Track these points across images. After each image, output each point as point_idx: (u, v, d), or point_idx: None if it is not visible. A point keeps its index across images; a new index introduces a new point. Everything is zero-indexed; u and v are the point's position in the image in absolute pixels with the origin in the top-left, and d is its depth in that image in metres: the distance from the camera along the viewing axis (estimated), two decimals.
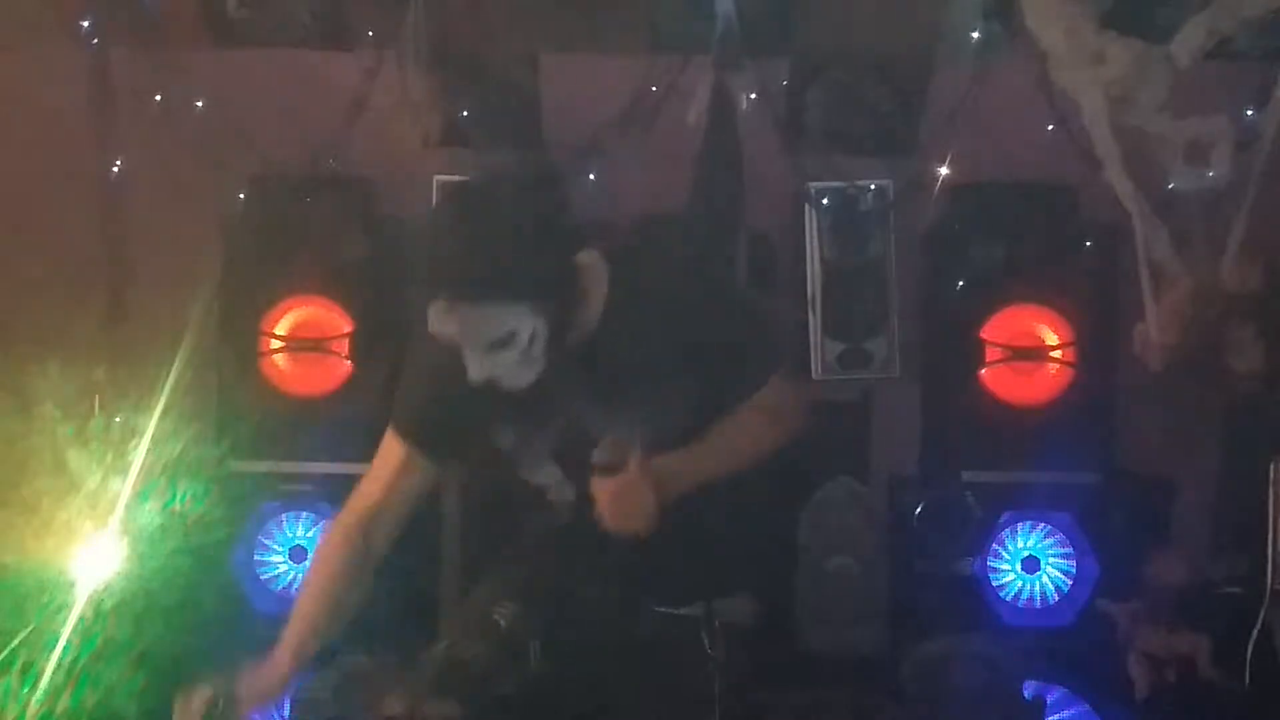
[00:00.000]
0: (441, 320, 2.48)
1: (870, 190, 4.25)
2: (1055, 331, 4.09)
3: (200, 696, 2.62)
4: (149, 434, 3.06)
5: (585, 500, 2.64)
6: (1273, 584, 3.60)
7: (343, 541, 2.81)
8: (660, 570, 2.71)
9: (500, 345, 2.47)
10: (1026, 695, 3.65)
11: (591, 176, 4.34)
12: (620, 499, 2.56)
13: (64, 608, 2.81)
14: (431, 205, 2.72)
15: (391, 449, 2.77)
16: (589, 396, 2.64)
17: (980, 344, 4.08)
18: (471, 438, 2.77)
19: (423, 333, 2.55)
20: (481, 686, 2.64)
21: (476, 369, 2.50)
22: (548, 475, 2.76)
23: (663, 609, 2.76)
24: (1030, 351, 4.09)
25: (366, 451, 3.87)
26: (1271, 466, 3.62)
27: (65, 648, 2.79)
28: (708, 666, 2.68)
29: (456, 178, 4.26)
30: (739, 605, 2.79)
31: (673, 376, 2.62)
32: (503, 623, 2.69)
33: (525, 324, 2.47)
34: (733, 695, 2.69)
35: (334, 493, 3.95)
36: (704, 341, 2.63)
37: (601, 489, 2.58)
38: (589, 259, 2.60)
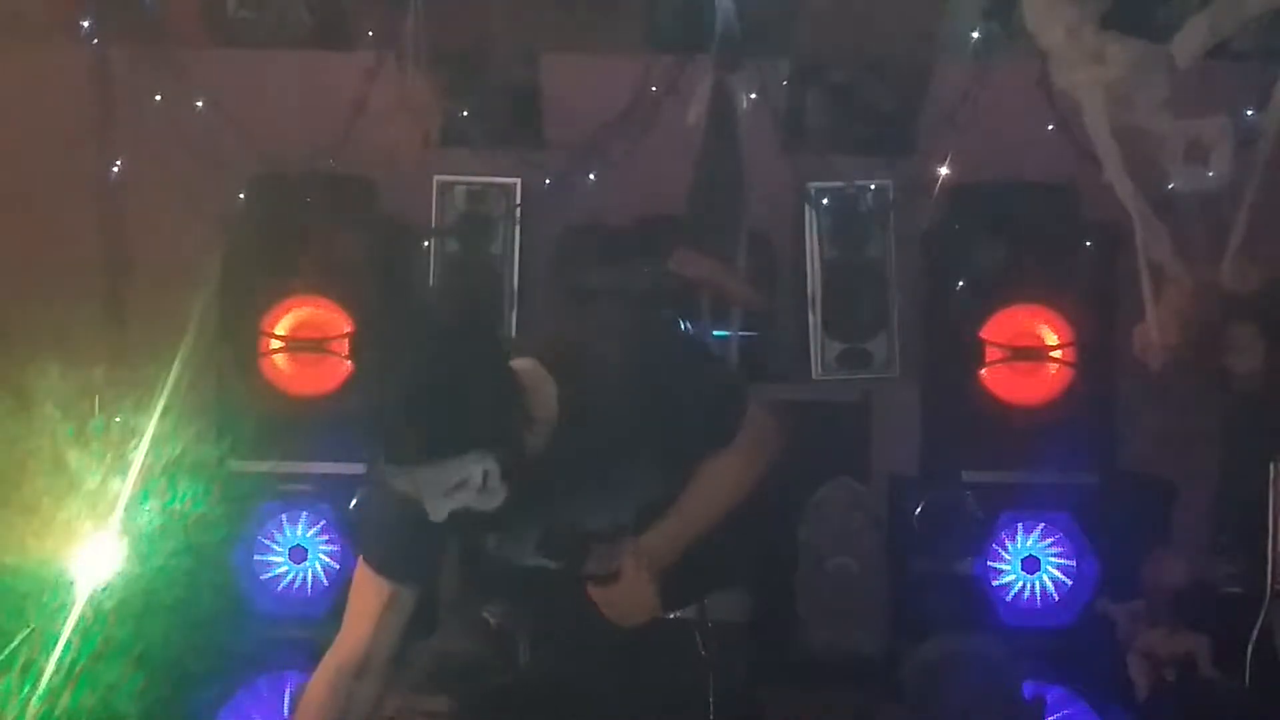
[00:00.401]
0: (397, 480, 2.43)
1: (870, 190, 4.25)
2: (1055, 331, 4.09)
3: None
4: (149, 434, 3.06)
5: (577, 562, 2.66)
6: (1273, 584, 3.60)
7: (330, 694, 2.70)
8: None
9: (457, 489, 2.41)
10: (1026, 695, 3.65)
11: (591, 176, 4.34)
12: (622, 603, 2.59)
13: (64, 608, 2.81)
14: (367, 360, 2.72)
15: (367, 584, 2.68)
16: (562, 494, 2.58)
17: (980, 344, 4.08)
18: (446, 555, 2.73)
19: (378, 474, 2.50)
20: (470, 682, 2.64)
21: (438, 513, 2.44)
22: (539, 561, 2.71)
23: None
24: (1030, 351, 4.09)
25: (366, 451, 3.90)
26: (1271, 466, 3.62)
27: (65, 648, 2.79)
28: (700, 666, 2.68)
29: (457, 178, 4.28)
30: (733, 605, 2.79)
31: (641, 453, 2.57)
32: (492, 621, 2.69)
33: (476, 468, 2.40)
34: (725, 695, 2.68)
35: (334, 493, 3.96)
36: (665, 414, 2.56)
37: (602, 598, 2.60)
38: (527, 366, 2.51)
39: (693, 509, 2.63)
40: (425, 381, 2.37)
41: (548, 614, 2.78)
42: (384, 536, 2.69)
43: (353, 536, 3.81)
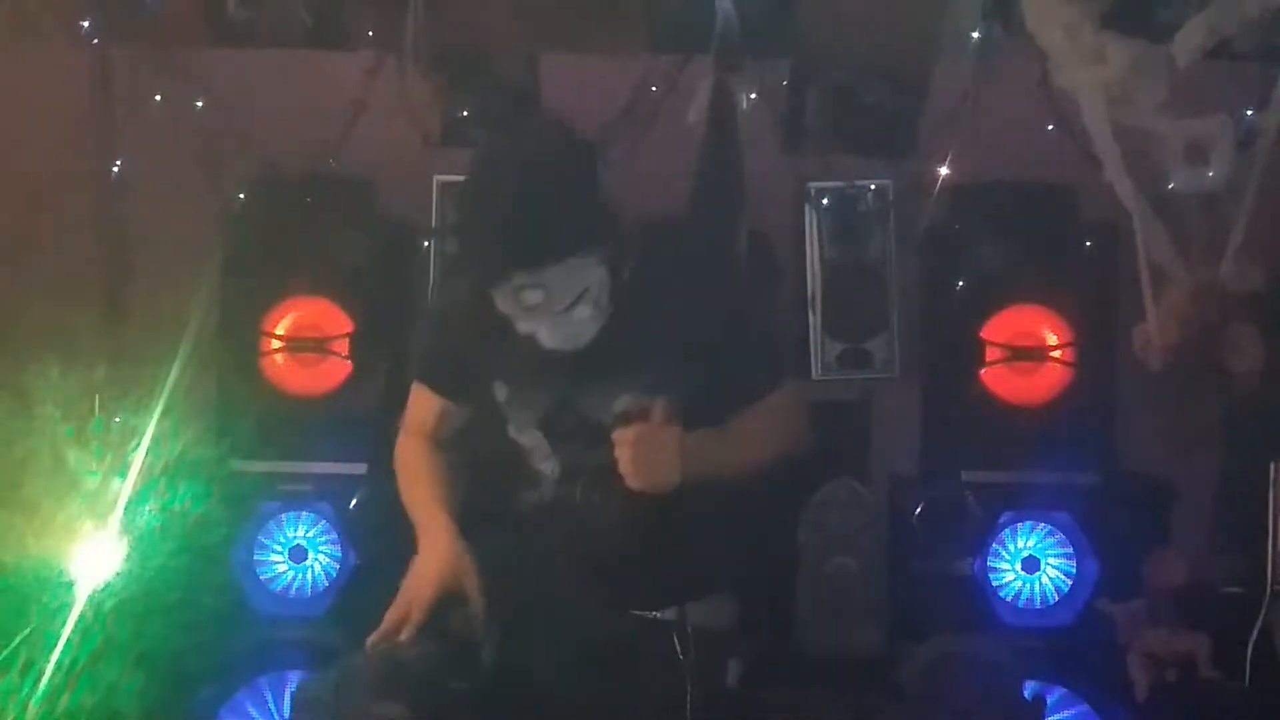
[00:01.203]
0: (520, 294, 2.51)
1: (870, 190, 4.25)
2: (1055, 331, 4.09)
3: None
4: (149, 434, 3.07)
5: (568, 478, 2.65)
6: (1273, 584, 3.60)
7: (420, 447, 2.95)
8: (633, 571, 2.69)
9: (578, 301, 2.52)
10: (1026, 695, 3.65)
11: None
12: (644, 446, 2.52)
13: (64, 608, 2.81)
14: (466, 188, 2.75)
15: (422, 399, 2.95)
16: (591, 376, 2.65)
17: (980, 344, 4.08)
18: (475, 384, 2.85)
19: (446, 297, 2.78)
20: (426, 687, 2.61)
21: (552, 332, 2.56)
22: (533, 440, 2.76)
23: (634, 611, 2.74)
24: (1030, 351, 4.09)
25: (367, 451, 3.90)
26: (1271, 466, 3.62)
27: (65, 648, 2.79)
28: (679, 672, 2.63)
29: (457, 178, 4.27)
30: (715, 609, 2.78)
31: (684, 367, 2.61)
32: (451, 623, 2.67)
33: (595, 274, 2.52)
34: (704, 701, 2.63)
35: (334, 493, 3.96)
36: (721, 335, 2.63)
37: (624, 438, 2.54)
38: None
39: (725, 438, 2.63)
40: (549, 183, 2.50)
41: (515, 606, 2.75)
42: (428, 352, 2.96)
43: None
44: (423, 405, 2.99)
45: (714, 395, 2.66)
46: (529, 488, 2.85)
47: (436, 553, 2.74)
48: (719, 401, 2.67)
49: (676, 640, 2.64)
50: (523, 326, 2.60)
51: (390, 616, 2.73)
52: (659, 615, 2.73)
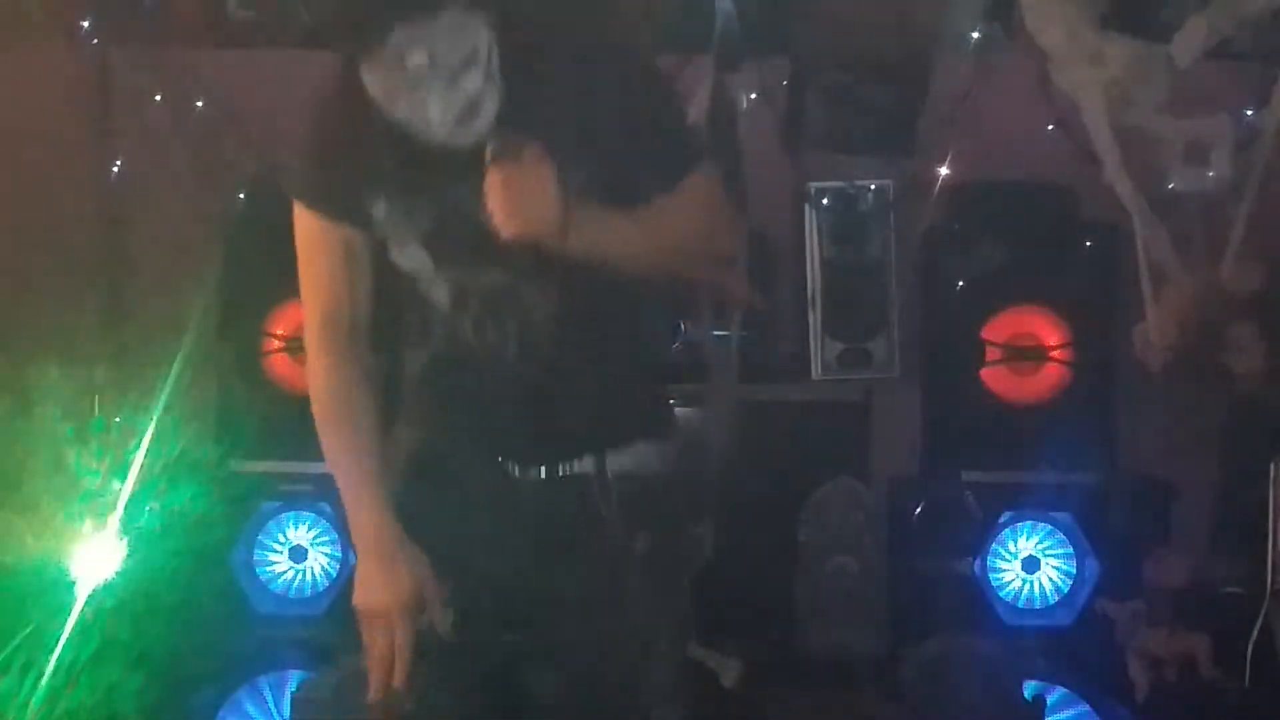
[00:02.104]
0: (403, 56, 2.23)
1: (870, 190, 4.25)
2: (1055, 331, 4.09)
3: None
4: (149, 434, 3.07)
5: (459, 306, 2.41)
6: (1273, 584, 3.60)
7: (333, 364, 2.52)
8: (539, 419, 2.45)
9: (467, 64, 2.24)
10: (1026, 695, 3.65)
11: None
12: (515, 185, 2.25)
13: (64, 608, 2.81)
14: None
15: (313, 238, 2.55)
16: (476, 168, 2.32)
17: (980, 344, 4.08)
18: (351, 201, 2.47)
19: (333, 97, 2.40)
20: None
21: (442, 106, 2.26)
22: (416, 260, 2.46)
23: (547, 466, 2.48)
24: (1030, 351, 4.09)
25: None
26: (1271, 466, 3.62)
27: (65, 648, 2.79)
28: (599, 524, 2.44)
29: None
30: (637, 455, 2.51)
31: (575, 160, 2.32)
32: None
33: (483, 35, 2.25)
34: (624, 547, 2.44)
35: (334, 493, 3.92)
36: (616, 125, 2.35)
37: (494, 177, 2.26)
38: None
39: (620, 218, 2.34)
40: None
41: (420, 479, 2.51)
42: (305, 165, 2.57)
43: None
44: (323, 258, 2.54)
45: (622, 188, 2.37)
46: (418, 336, 2.54)
47: (394, 577, 2.46)
48: (629, 194, 2.38)
49: (597, 492, 2.44)
50: (403, 108, 2.28)
51: (376, 673, 2.48)
52: (573, 469, 2.47)
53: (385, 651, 2.44)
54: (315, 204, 2.53)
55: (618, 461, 2.47)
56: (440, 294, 2.46)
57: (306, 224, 2.57)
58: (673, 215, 2.39)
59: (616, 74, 2.41)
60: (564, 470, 2.47)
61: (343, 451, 2.51)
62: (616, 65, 2.43)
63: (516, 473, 2.48)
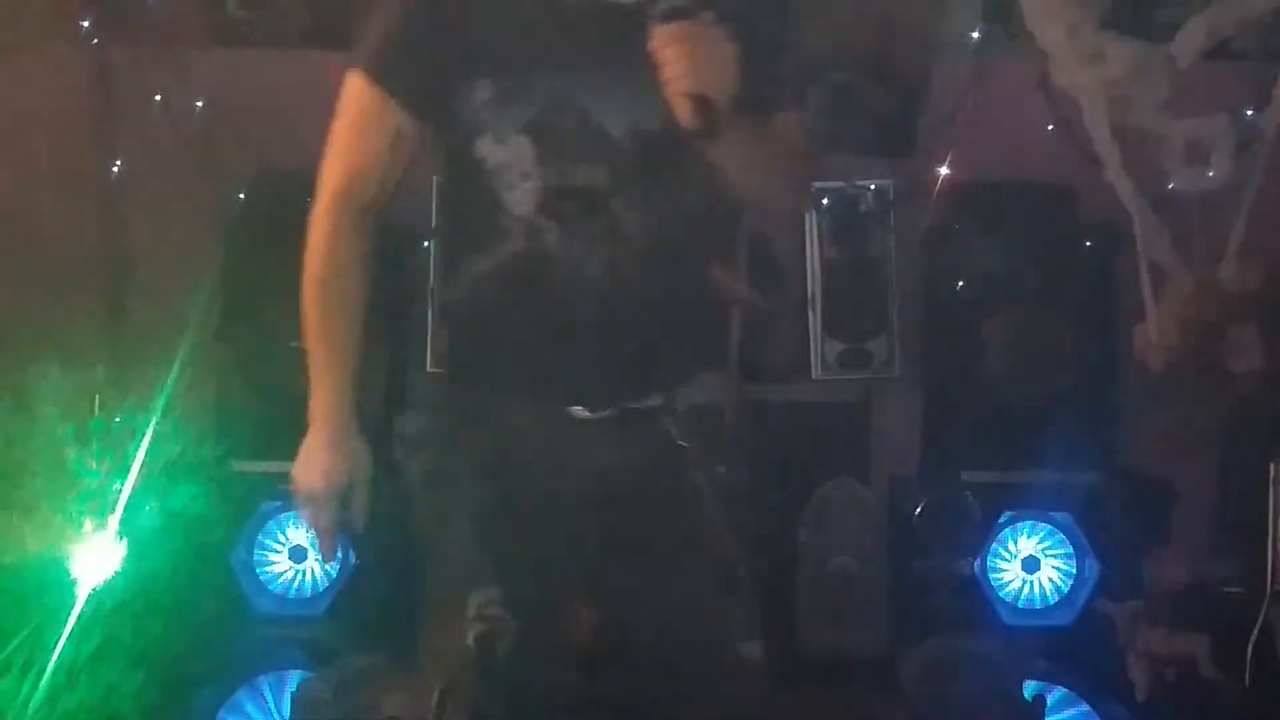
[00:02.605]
0: None
1: (870, 190, 4.25)
2: (1055, 331, 4.09)
3: None
4: (149, 434, 3.07)
5: (546, 209, 2.30)
6: (1273, 584, 3.60)
7: (333, 227, 2.45)
8: (614, 345, 2.35)
9: None
10: (1026, 695, 3.65)
11: None
12: (698, 41, 2.11)
13: (64, 608, 2.81)
14: None
15: (360, 99, 2.42)
16: (610, 61, 2.25)
17: (980, 344, 4.08)
18: (445, 88, 2.34)
19: None
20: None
21: None
22: (513, 153, 2.32)
23: (618, 396, 2.38)
24: (1031, 351, 4.09)
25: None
26: (1271, 466, 3.62)
27: (65, 648, 2.79)
28: (677, 455, 2.37)
29: None
30: (698, 388, 2.44)
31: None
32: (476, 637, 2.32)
33: None
34: (704, 480, 2.38)
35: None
36: (764, 29, 2.28)
37: (671, 31, 2.12)
38: None
39: (749, 127, 2.23)
40: None
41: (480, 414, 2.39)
42: (391, 44, 2.40)
43: None
44: (370, 130, 2.41)
45: (753, 99, 2.25)
46: (494, 237, 2.37)
47: (331, 463, 2.44)
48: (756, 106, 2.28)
49: (670, 425, 2.37)
50: None
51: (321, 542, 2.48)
52: (645, 402, 2.39)
53: (320, 525, 2.45)
54: (388, 83, 2.39)
55: (687, 394, 2.41)
56: (525, 196, 2.33)
57: (364, 97, 2.43)
58: (788, 136, 2.35)
59: None
60: (636, 403, 2.38)
61: (323, 324, 2.46)
62: None
63: (582, 402, 2.38)
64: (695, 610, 2.40)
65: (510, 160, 2.33)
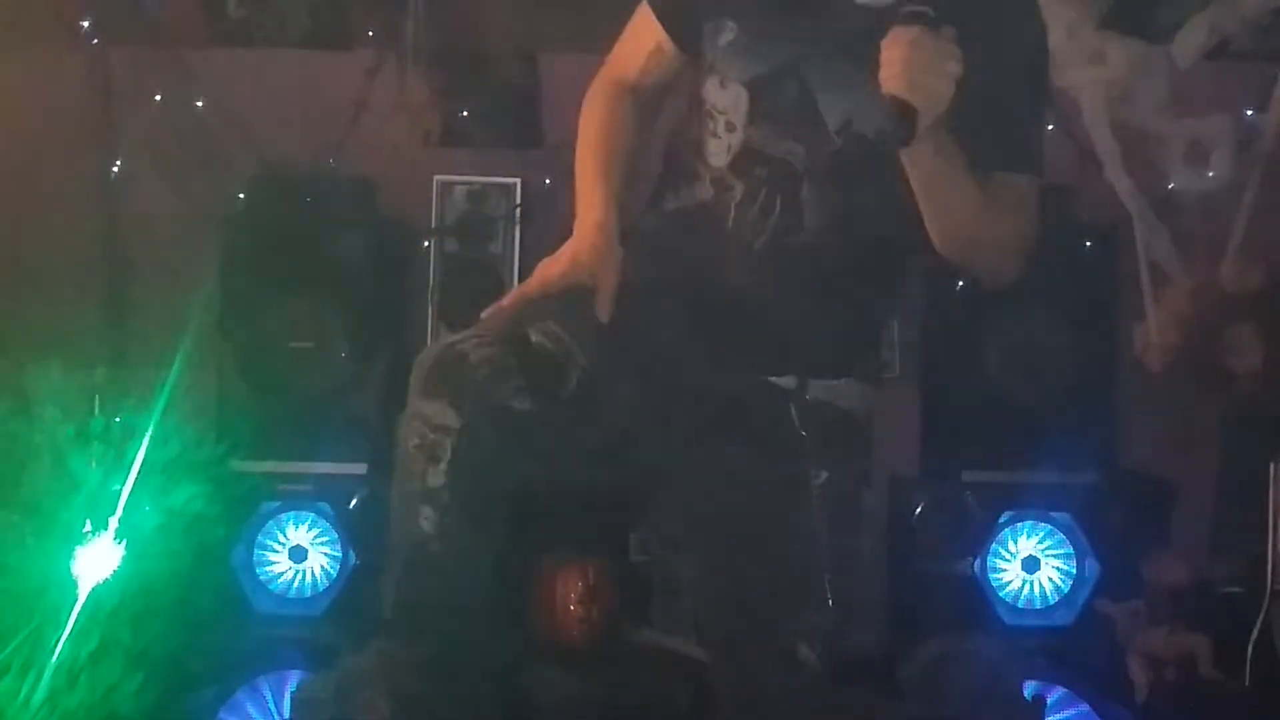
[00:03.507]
0: None
1: None
2: (1055, 332, 4.08)
3: None
4: (149, 434, 3.06)
5: (742, 164, 2.35)
6: (1273, 584, 3.60)
7: (613, 97, 2.63)
8: (765, 319, 2.42)
9: None
10: (1026, 695, 3.65)
11: None
12: (923, 47, 2.14)
13: (64, 608, 2.81)
14: None
15: (645, 25, 2.58)
16: (846, 40, 2.30)
17: (980, 344, 4.07)
18: (700, 21, 2.47)
19: None
20: (481, 395, 2.26)
21: None
22: (731, 100, 2.39)
23: (754, 369, 2.44)
24: (1030, 351, 4.08)
25: (367, 451, 3.90)
26: (1271, 466, 3.62)
27: (65, 648, 2.79)
28: (795, 441, 2.41)
29: (457, 178, 4.27)
30: (841, 390, 2.53)
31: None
32: (542, 340, 2.31)
33: None
34: (807, 473, 2.40)
35: (334, 493, 3.96)
36: (1001, 79, 2.28)
37: (903, 34, 2.16)
38: None
39: (960, 163, 2.26)
40: None
41: (620, 336, 2.38)
42: None
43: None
44: (640, 38, 2.61)
45: (979, 144, 2.30)
46: (689, 182, 2.48)
47: (584, 238, 2.42)
48: (982, 151, 2.31)
49: (794, 412, 2.41)
50: None
51: (510, 296, 2.42)
52: (779, 381, 2.44)
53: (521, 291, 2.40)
54: (666, 15, 2.55)
55: (819, 387, 2.45)
56: (723, 149, 2.42)
57: (644, 14, 2.61)
58: (1004, 196, 2.34)
59: (1029, 44, 2.38)
60: (769, 378, 2.41)
61: (593, 154, 2.57)
62: (1032, 36, 2.40)
63: (717, 368, 2.42)
64: (767, 592, 2.41)
65: (726, 107, 2.40)
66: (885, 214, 2.38)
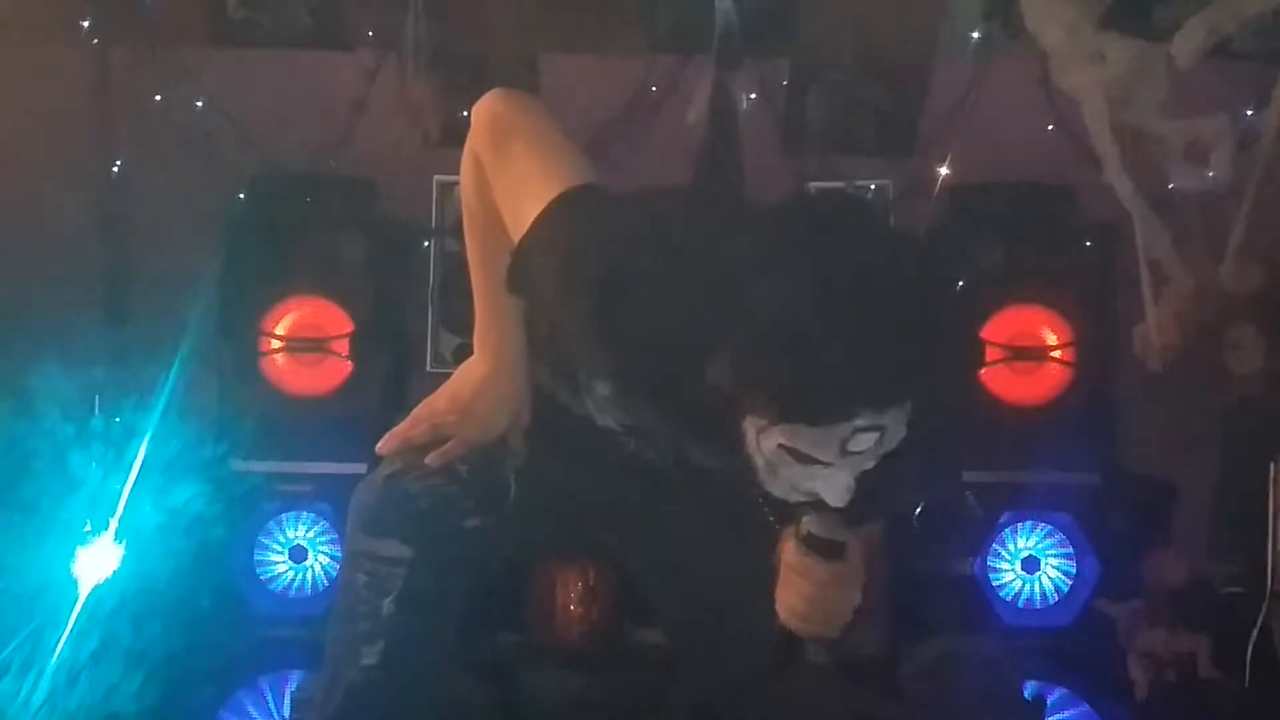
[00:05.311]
0: (851, 438, 1.92)
1: (870, 190, 4.25)
2: (1055, 331, 4.09)
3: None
4: (149, 434, 3.07)
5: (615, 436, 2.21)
6: (1273, 584, 3.60)
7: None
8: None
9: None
10: (1026, 695, 3.65)
11: None
12: (827, 586, 2.05)
13: (64, 608, 2.81)
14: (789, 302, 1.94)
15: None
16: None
17: (980, 344, 4.07)
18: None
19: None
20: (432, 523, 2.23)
21: (839, 489, 1.96)
22: (606, 422, 2.24)
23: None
24: (1030, 351, 4.09)
25: (367, 451, 3.90)
26: (1271, 466, 3.62)
27: (65, 648, 2.79)
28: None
29: (457, 178, 4.25)
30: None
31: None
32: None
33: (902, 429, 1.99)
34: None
35: (334, 493, 3.95)
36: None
37: (807, 565, 2.03)
38: None
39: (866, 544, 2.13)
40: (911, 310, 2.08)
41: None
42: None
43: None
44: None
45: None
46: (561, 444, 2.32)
47: (497, 388, 2.27)
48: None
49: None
50: (807, 478, 1.97)
51: (417, 426, 2.30)
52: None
53: (424, 438, 2.28)
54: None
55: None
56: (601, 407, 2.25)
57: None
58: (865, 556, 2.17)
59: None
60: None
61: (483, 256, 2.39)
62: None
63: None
64: (754, 646, 2.29)
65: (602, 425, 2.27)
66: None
